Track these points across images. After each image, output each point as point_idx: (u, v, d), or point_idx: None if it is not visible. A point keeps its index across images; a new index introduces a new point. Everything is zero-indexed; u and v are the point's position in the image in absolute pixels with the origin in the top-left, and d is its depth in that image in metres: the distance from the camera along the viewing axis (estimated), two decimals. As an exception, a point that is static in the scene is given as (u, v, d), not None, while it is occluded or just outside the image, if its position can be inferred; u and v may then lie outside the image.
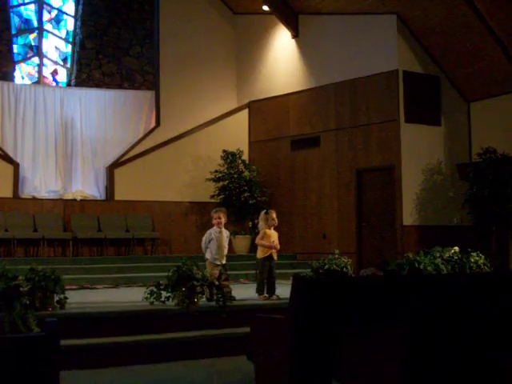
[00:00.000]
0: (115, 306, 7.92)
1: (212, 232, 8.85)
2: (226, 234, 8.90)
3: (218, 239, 8.74)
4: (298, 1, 15.45)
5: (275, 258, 8.90)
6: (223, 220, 8.88)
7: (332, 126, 15.10)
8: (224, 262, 8.79)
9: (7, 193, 14.60)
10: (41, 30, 16.64)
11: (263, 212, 9.10)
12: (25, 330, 5.85)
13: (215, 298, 7.80)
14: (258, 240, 8.90)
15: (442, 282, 5.03)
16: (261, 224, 8.97)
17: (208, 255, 8.77)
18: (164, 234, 15.48)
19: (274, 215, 8.95)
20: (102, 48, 16.70)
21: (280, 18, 15.95)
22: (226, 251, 8.85)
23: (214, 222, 8.84)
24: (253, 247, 13.25)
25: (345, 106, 14.86)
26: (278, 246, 8.93)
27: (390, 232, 13.93)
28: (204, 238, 8.89)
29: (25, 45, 16.55)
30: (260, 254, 8.86)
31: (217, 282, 7.99)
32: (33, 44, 16.62)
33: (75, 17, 16.88)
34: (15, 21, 16.37)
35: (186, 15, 16.70)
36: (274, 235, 8.92)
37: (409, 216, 13.79)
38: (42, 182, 15.28)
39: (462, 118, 14.74)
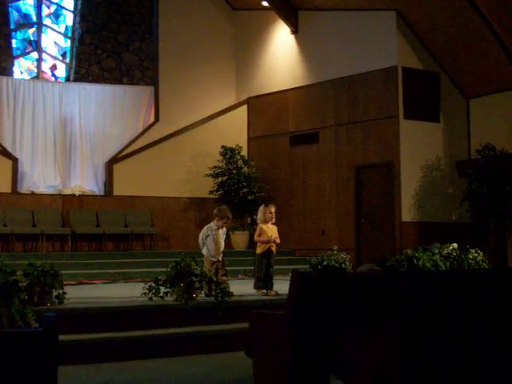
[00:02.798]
0: (114, 302, 7.92)
1: (209, 229, 8.85)
2: (222, 230, 8.90)
3: (214, 236, 8.75)
4: (297, -4, 15.45)
5: (274, 251, 8.90)
6: None
7: (331, 122, 15.09)
8: (220, 258, 8.79)
9: (6, 188, 14.59)
10: (40, 25, 16.61)
11: (263, 205, 9.15)
12: (23, 325, 5.85)
13: (214, 293, 7.80)
14: (255, 237, 8.95)
15: (441, 279, 5.04)
16: (259, 216, 9.00)
17: (205, 251, 8.78)
18: (163, 229, 15.48)
19: (273, 209, 8.95)
20: (101, 43, 16.67)
21: (279, 14, 15.93)
22: (222, 248, 8.86)
23: (221, 224, 8.81)
24: (251, 243, 13.26)
25: (344, 102, 14.85)
26: (278, 240, 8.93)
27: (388, 228, 13.93)
28: (201, 235, 8.89)
29: (24, 40, 16.52)
30: (258, 250, 8.89)
31: (215, 278, 8.00)
32: (32, 39, 16.58)
33: (74, 12, 16.85)
34: (14, 15, 16.33)
35: (186, 11, 16.68)
36: (272, 230, 8.92)
37: (407, 212, 13.80)
38: (41, 177, 15.27)
39: (461, 114, 14.74)
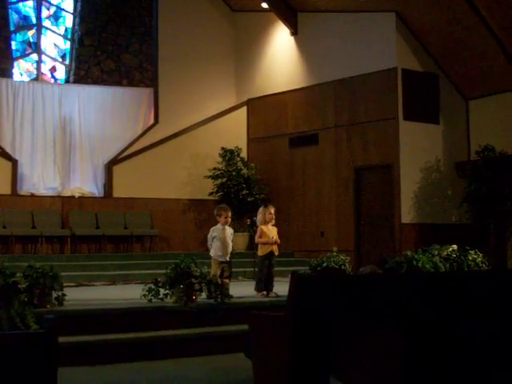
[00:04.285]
0: (113, 303, 7.92)
1: (215, 229, 8.82)
2: (229, 231, 8.83)
3: (221, 236, 8.72)
4: (296, -2, 15.46)
5: (276, 253, 8.90)
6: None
7: (330, 123, 15.09)
8: (228, 258, 8.73)
9: (5, 190, 14.59)
10: (39, 27, 16.61)
11: (262, 206, 9.15)
12: (23, 327, 5.85)
13: (213, 295, 7.79)
14: (256, 239, 8.95)
15: (441, 280, 5.04)
16: (259, 218, 9.00)
17: (212, 252, 8.74)
18: (162, 231, 15.47)
19: (273, 210, 8.96)
20: (100, 45, 16.67)
21: (279, 16, 15.93)
22: (230, 248, 8.78)
23: (222, 220, 8.78)
24: (251, 245, 13.27)
25: (343, 104, 14.86)
26: (278, 241, 8.94)
27: (388, 230, 13.93)
28: (208, 236, 8.86)
29: (23, 41, 16.52)
30: (260, 251, 8.88)
31: (219, 281, 7.99)
32: (31, 41, 16.58)
33: (74, 13, 16.85)
34: (14, 17, 16.33)
35: (185, 12, 16.69)
36: (272, 231, 8.93)
37: (407, 214, 13.79)
38: (41, 178, 15.26)
39: (461, 115, 14.74)
